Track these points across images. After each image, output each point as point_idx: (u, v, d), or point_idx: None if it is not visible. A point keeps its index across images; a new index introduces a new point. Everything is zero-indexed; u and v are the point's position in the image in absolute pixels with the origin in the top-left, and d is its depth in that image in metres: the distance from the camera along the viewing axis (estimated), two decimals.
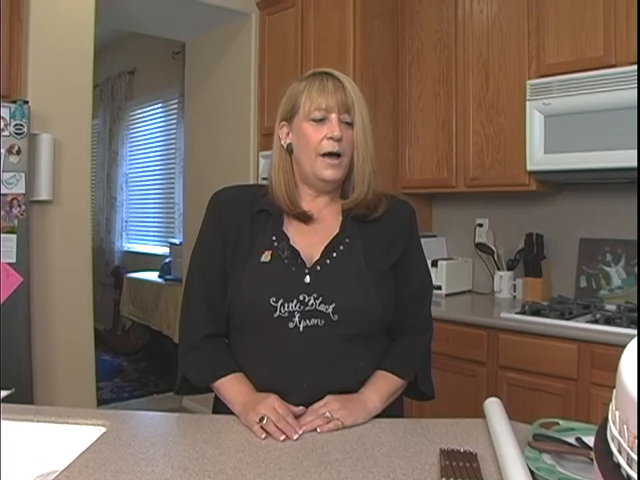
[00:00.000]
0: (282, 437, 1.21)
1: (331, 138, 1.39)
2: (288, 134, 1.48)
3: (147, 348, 5.85)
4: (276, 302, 1.36)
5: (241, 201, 1.50)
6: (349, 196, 1.48)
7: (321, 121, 1.41)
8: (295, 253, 1.41)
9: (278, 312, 1.36)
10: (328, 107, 1.40)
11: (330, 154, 1.40)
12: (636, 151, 2.43)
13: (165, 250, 5.76)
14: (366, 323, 1.41)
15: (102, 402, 4.28)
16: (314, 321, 1.37)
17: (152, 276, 5.51)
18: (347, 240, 1.45)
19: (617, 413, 0.68)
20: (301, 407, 1.31)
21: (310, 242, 1.45)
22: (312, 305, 1.37)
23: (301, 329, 1.36)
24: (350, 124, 1.42)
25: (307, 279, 1.39)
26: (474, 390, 2.71)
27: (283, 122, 1.49)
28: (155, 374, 5.32)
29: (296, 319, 1.36)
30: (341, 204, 1.49)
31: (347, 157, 1.43)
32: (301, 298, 1.37)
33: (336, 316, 1.37)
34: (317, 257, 1.42)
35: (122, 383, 5.16)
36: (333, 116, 1.41)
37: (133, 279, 5.76)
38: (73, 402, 2.98)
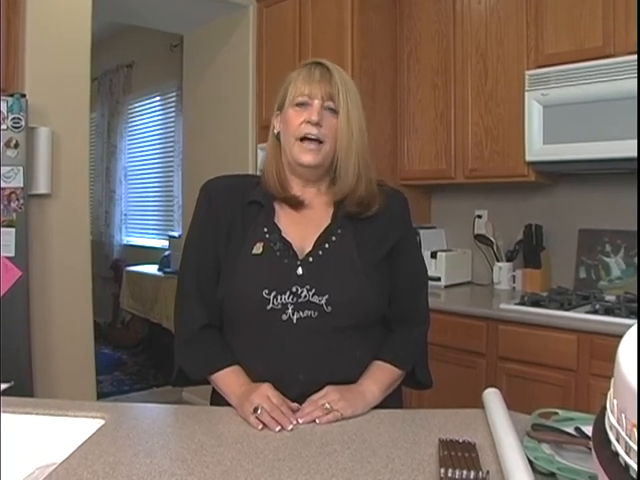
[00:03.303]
0: (277, 427, 1.21)
1: (309, 122, 1.39)
2: (280, 123, 1.48)
3: (147, 341, 5.86)
4: (269, 294, 1.36)
5: (233, 191, 1.49)
6: (337, 174, 1.46)
7: (303, 106, 1.41)
8: (287, 245, 1.41)
9: (271, 304, 1.36)
10: (311, 94, 1.40)
11: (308, 139, 1.40)
12: (635, 141, 2.42)
13: (164, 243, 5.75)
14: (360, 315, 1.41)
15: (102, 395, 4.28)
16: (307, 313, 1.36)
17: (151, 269, 5.51)
18: (339, 231, 1.45)
19: (615, 402, 0.68)
20: (295, 404, 1.31)
21: (302, 234, 1.44)
22: (305, 297, 1.37)
23: (294, 321, 1.36)
24: (335, 111, 1.41)
25: (300, 271, 1.39)
26: (473, 381, 2.71)
27: (277, 112, 1.50)
28: (155, 367, 5.33)
29: (289, 311, 1.36)
30: (331, 195, 1.48)
31: (329, 144, 1.42)
32: (294, 290, 1.37)
33: (329, 307, 1.36)
34: (309, 249, 1.42)
35: (122, 376, 5.17)
36: (315, 102, 1.40)
37: (132, 272, 5.75)
38: (73, 395, 2.99)
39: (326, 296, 1.37)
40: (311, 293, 1.37)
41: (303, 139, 1.40)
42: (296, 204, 1.48)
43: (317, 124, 1.39)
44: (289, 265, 1.40)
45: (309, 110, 1.40)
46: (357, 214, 1.46)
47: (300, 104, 1.41)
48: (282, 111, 1.46)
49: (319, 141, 1.40)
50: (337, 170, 1.45)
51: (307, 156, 1.41)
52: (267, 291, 1.36)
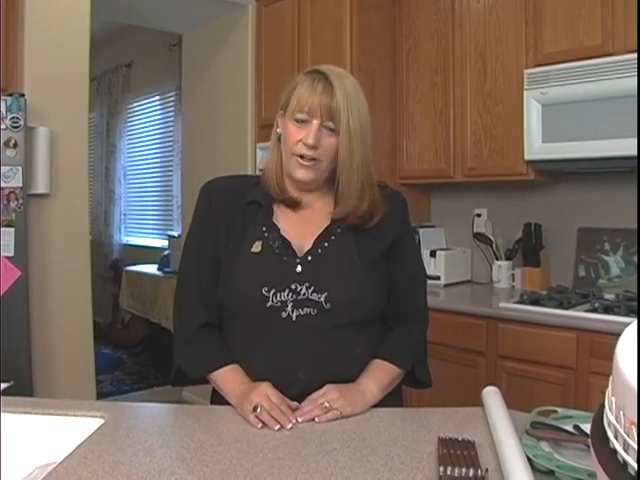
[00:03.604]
0: (277, 426, 1.22)
1: (305, 144, 1.36)
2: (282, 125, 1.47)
3: (146, 341, 5.86)
4: (268, 292, 1.36)
5: (233, 192, 1.49)
6: (339, 194, 1.45)
7: (303, 122, 1.38)
8: (286, 243, 1.41)
9: (270, 302, 1.36)
10: (311, 111, 1.36)
11: (303, 156, 1.38)
12: (635, 139, 2.42)
13: (164, 243, 5.75)
14: (359, 313, 1.42)
15: (102, 395, 4.28)
16: (307, 310, 1.37)
17: (151, 269, 5.50)
18: (338, 230, 1.45)
19: (613, 399, 0.68)
20: (295, 403, 1.31)
21: (301, 233, 1.44)
22: (304, 294, 1.37)
23: (294, 318, 1.36)
24: (334, 130, 1.38)
25: (299, 268, 1.39)
26: (473, 380, 2.71)
27: (281, 111, 1.47)
28: (155, 367, 5.33)
29: (289, 308, 1.36)
30: (332, 211, 1.46)
31: (326, 162, 1.40)
32: (293, 287, 1.37)
33: (329, 305, 1.37)
34: (308, 247, 1.42)
35: (122, 376, 5.17)
36: (314, 122, 1.37)
37: (132, 272, 5.75)
38: (73, 395, 2.99)
39: (325, 293, 1.37)
40: (310, 290, 1.37)
41: (299, 155, 1.39)
42: (294, 205, 1.48)
43: (313, 147, 1.37)
44: (288, 263, 1.40)
45: (307, 129, 1.37)
46: (359, 225, 1.45)
47: (300, 120, 1.38)
48: (284, 113, 1.44)
49: (314, 159, 1.39)
50: (339, 189, 1.43)
51: (301, 172, 1.40)
52: (266, 289, 1.36)
